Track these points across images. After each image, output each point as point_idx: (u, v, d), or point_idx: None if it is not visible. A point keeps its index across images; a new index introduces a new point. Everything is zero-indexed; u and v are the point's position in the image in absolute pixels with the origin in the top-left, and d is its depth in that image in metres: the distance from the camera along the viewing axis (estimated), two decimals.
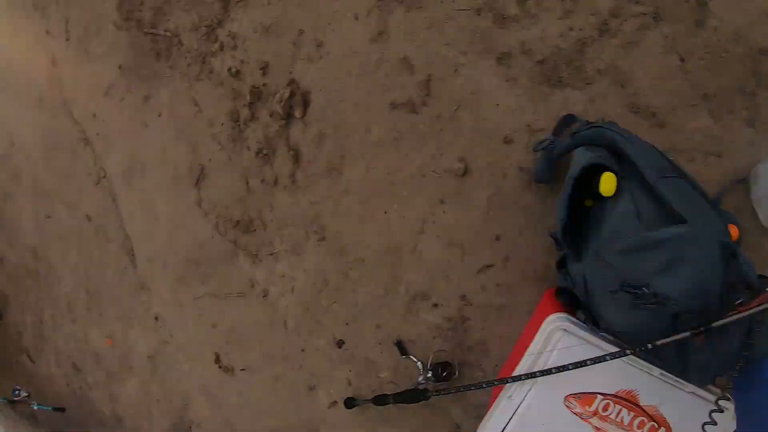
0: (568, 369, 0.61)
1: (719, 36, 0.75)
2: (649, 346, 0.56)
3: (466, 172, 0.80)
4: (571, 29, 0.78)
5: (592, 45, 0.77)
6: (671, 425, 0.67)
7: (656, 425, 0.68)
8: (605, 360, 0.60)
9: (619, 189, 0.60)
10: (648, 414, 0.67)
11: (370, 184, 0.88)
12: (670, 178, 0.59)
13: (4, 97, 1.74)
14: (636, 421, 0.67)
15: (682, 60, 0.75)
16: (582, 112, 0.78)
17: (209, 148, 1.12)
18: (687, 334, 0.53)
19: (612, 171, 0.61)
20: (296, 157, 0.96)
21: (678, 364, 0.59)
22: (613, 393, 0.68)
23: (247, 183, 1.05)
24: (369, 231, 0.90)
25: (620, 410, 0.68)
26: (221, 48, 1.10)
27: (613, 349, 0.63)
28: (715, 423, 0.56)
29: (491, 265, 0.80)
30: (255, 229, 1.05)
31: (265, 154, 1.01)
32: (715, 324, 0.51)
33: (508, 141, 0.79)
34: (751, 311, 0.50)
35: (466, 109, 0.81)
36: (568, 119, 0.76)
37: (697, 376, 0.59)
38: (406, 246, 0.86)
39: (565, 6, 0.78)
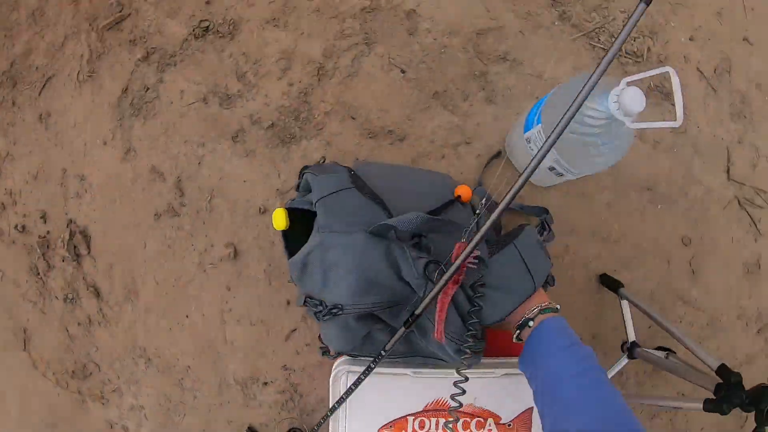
0: (342, 402, 0.60)
1: (434, 35, 0.84)
2: (383, 353, 0.54)
3: (236, 254, 0.83)
4: (291, 85, 0.85)
5: (314, 92, 0.85)
6: (495, 412, 0.71)
7: (482, 420, 0.71)
8: (360, 381, 0.58)
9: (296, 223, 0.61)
10: (468, 413, 0.71)
11: (164, 297, 0.89)
12: (333, 194, 0.57)
13: None
14: (459, 424, 0.70)
15: (404, 72, 0.84)
16: (323, 156, 0.85)
17: (23, 308, 1.06)
18: (403, 330, 0.51)
19: (294, 208, 0.61)
20: (97, 293, 0.95)
21: (445, 353, 0.56)
22: (422, 409, 0.71)
23: (68, 331, 1.00)
24: (181, 339, 0.89)
25: (437, 421, 0.71)
26: (3, 207, 1.07)
27: (399, 371, 0.67)
28: (462, 392, 0.53)
29: (295, 329, 0.82)
30: (91, 373, 1.00)
31: (72, 299, 0.98)
32: (417, 311, 0.49)
33: (263, 211, 0.83)
34: (440, 285, 0.46)
35: (219, 195, 0.85)
36: (303, 172, 0.82)
37: (451, 357, 0.56)
38: (217, 339, 0.86)
39: (281, 66, 0.86)
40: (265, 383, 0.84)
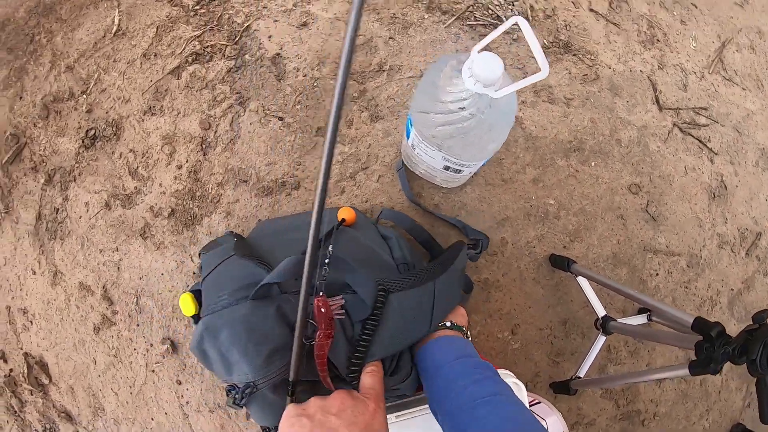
0: None
1: (303, 72, 0.81)
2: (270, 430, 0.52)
3: (174, 347, 0.81)
4: (179, 167, 0.84)
5: (202, 168, 0.83)
6: None
7: None
8: None
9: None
10: None
11: (126, 405, 0.87)
12: (215, 270, 0.55)
13: None
14: None
15: (281, 119, 0.82)
16: (227, 227, 0.83)
17: None
18: (289, 399, 0.47)
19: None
20: (69, 416, 0.94)
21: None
22: None
23: None
24: None
25: None
26: None
27: None
28: None
29: None
30: None
31: (50, 428, 0.98)
32: (291, 378, 0.45)
33: None
34: (294, 357, 0.43)
35: (144, 294, 0.84)
36: (200, 253, 0.77)
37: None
38: None
39: (166, 151, 0.85)
40: None
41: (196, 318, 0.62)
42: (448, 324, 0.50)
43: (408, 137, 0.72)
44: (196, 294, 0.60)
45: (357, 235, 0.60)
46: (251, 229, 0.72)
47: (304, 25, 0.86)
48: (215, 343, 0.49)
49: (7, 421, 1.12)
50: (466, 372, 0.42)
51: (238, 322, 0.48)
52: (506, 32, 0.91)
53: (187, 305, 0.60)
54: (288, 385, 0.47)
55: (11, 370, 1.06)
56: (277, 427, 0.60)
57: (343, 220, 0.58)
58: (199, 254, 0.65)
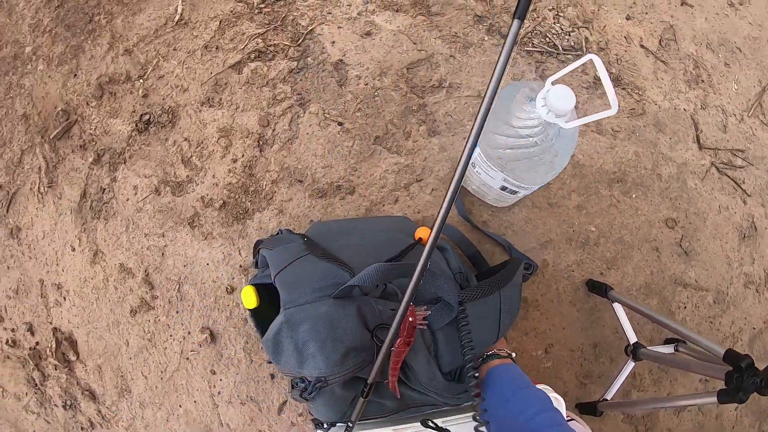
0: None
1: (365, 80, 0.83)
2: (350, 424, 0.53)
3: (213, 337, 0.82)
4: (235, 161, 0.86)
5: (258, 163, 0.85)
6: None
7: None
8: None
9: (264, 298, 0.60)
10: None
11: (155, 390, 0.88)
12: (290, 266, 0.56)
13: None
14: None
15: (341, 124, 0.84)
16: (278, 225, 0.85)
17: (28, 420, 1.07)
18: (362, 401, 0.50)
19: (259, 284, 0.60)
20: (93, 396, 0.95)
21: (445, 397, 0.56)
22: None
23: None
24: (178, 427, 0.87)
25: None
26: None
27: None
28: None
29: (285, 402, 0.81)
30: None
31: (71, 405, 0.98)
32: (370, 380, 0.48)
33: (231, 291, 0.82)
34: (378, 362, 0.46)
35: (186, 282, 0.85)
36: (257, 248, 0.81)
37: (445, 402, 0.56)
38: (213, 423, 0.84)
39: (222, 144, 0.86)
40: None
41: (254, 311, 0.64)
42: (504, 353, 0.52)
43: None
44: (258, 288, 0.62)
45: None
46: (305, 229, 0.73)
47: (368, 34, 0.88)
48: (293, 335, 0.51)
49: (26, 393, 1.12)
50: (531, 403, 0.45)
51: (320, 318, 0.50)
52: (560, 59, 0.93)
53: (250, 298, 0.61)
54: (364, 386, 0.49)
55: (37, 343, 1.06)
56: (334, 423, 0.62)
57: (420, 239, 0.60)
58: (258, 249, 0.66)
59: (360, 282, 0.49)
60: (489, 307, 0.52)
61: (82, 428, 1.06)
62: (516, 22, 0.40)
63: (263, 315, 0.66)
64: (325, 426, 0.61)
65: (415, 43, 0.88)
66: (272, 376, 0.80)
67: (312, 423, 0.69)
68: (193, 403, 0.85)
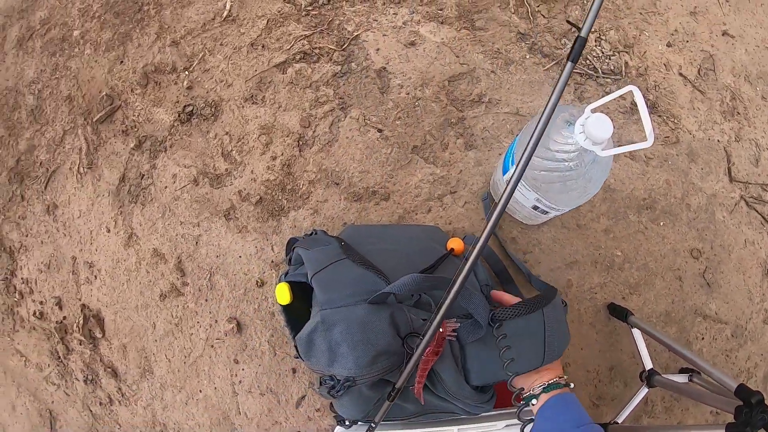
0: None
1: (407, 90, 0.85)
2: (372, 424, 0.56)
3: (240, 327, 0.84)
4: (274, 158, 0.88)
5: (296, 163, 0.87)
6: None
7: None
8: None
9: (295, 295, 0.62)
10: None
11: (177, 373, 0.91)
12: (327, 268, 0.58)
13: None
14: None
15: (380, 131, 0.86)
16: (312, 224, 0.87)
17: (48, 390, 1.11)
18: (387, 404, 0.52)
19: (295, 282, 0.62)
20: (115, 373, 0.98)
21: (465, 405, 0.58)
22: None
23: (91, 411, 1.04)
24: (196, 412, 0.90)
25: None
26: (21, 296, 1.13)
27: None
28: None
29: (304, 396, 0.83)
30: None
31: (92, 380, 1.01)
32: (398, 384, 0.50)
33: (261, 284, 0.85)
34: (419, 351, 0.47)
35: (218, 272, 0.87)
36: (292, 245, 0.84)
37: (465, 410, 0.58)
38: (231, 411, 0.87)
39: (263, 141, 0.89)
40: None
41: (285, 307, 0.66)
42: (563, 382, 0.52)
43: (504, 172, 0.75)
44: (291, 285, 0.64)
45: (457, 260, 0.64)
46: (340, 231, 0.75)
47: (412, 44, 0.89)
48: (327, 335, 0.53)
49: (48, 365, 1.15)
50: None
51: (354, 321, 0.52)
52: (599, 83, 0.94)
53: (284, 294, 0.63)
54: (391, 389, 0.50)
55: (65, 318, 1.09)
56: (356, 421, 0.64)
57: (452, 249, 0.61)
58: (292, 247, 0.68)
59: (395, 290, 0.52)
60: (532, 326, 0.53)
61: (100, 403, 1.09)
62: (569, 64, 0.41)
63: (294, 311, 0.68)
64: (347, 423, 0.63)
65: (457, 56, 0.89)
66: (294, 371, 0.82)
67: (335, 419, 0.71)
68: (214, 389, 0.88)
